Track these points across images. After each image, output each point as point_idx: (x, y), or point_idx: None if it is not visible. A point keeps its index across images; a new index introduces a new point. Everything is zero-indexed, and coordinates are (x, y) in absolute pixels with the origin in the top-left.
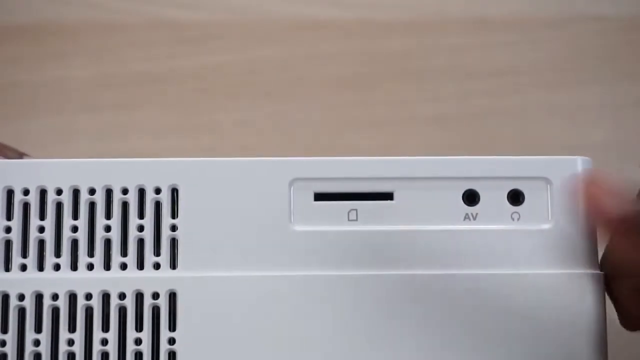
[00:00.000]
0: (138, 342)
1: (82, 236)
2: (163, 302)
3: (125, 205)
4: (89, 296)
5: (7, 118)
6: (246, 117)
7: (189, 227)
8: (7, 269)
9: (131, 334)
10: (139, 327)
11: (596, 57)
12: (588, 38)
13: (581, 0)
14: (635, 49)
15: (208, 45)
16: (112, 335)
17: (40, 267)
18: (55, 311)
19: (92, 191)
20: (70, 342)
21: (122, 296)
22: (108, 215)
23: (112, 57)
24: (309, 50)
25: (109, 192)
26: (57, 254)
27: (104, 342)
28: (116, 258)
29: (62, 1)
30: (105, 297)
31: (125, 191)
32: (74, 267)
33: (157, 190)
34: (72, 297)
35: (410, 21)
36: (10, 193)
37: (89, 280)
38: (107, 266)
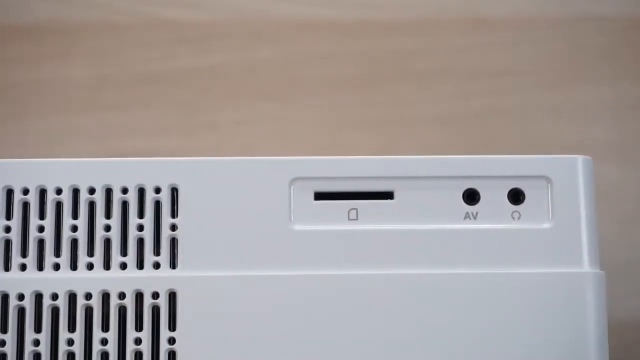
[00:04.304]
0: (138, 341)
1: (81, 236)
2: (163, 302)
3: (125, 205)
4: (88, 296)
5: (7, 118)
6: (246, 117)
7: (188, 226)
8: (7, 268)
9: (131, 333)
10: (138, 327)
11: (596, 57)
12: (588, 38)
13: (581, 0)
14: (636, 49)
15: (208, 45)
16: (112, 335)
17: (40, 267)
18: (55, 311)
19: (91, 190)
20: (70, 342)
21: (121, 296)
22: (108, 215)
23: (112, 57)
24: (309, 50)
25: (108, 192)
26: (57, 253)
27: (104, 341)
28: (116, 257)
29: (62, 1)
30: (105, 296)
31: (125, 190)
32: (74, 266)
33: (157, 190)
34: (72, 297)
35: (410, 21)
36: (9, 192)
37: (89, 280)
38: (107, 266)
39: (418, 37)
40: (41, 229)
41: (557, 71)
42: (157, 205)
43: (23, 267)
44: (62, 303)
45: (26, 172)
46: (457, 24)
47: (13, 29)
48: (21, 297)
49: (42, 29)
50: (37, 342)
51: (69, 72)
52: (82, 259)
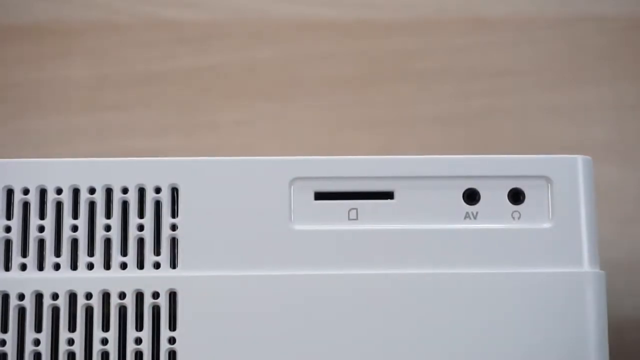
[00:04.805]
0: (138, 341)
1: (82, 235)
2: (163, 302)
3: (125, 205)
4: (89, 295)
5: (7, 118)
6: (246, 117)
7: (189, 226)
8: (7, 268)
9: (131, 333)
10: (139, 327)
11: (596, 57)
12: (588, 38)
13: (581, 0)
14: (636, 49)
15: (208, 45)
16: (112, 335)
17: (40, 267)
18: (55, 311)
19: (92, 190)
20: (70, 342)
21: (122, 295)
22: (108, 215)
23: (112, 57)
24: (309, 50)
25: (109, 192)
26: (57, 253)
27: (104, 341)
28: (116, 257)
29: (62, 1)
30: (106, 296)
31: (125, 190)
32: (74, 266)
33: (157, 190)
34: (72, 297)
35: (410, 21)
36: (10, 192)
37: (89, 280)
38: (107, 265)
39: (418, 37)
40: (41, 228)
41: (557, 71)
42: (158, 205)
43: (23, 267)
44: (62, 303)
45: (26, 172)
46: (457, 24)
47: (13, 29)
48: (21, 296)
49: (42, 29)
50: (37, 342)
51: (69, 72)
52: (83, 258)
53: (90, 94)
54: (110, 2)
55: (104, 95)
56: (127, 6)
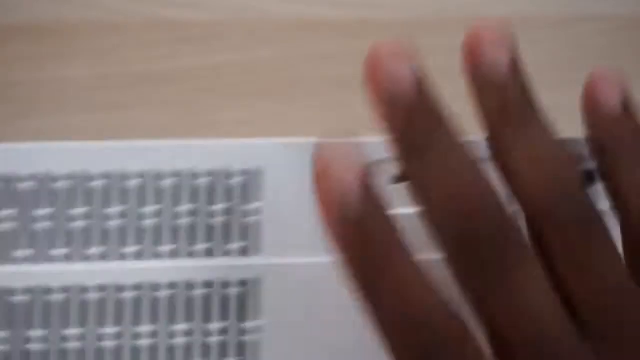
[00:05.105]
0: (222, 331)
1: (159, 223)
2: (243, 291)
3: (196, 191)
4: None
5: (7, 118)
6: (246, 117)
7: (274, 211)
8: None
9: (200, 325)
10: (220, 317)
11: (596, 57)
12: (588, 38)
13: (581, 0)
14: (636, 49)
15: (208, 45)
16: (192, 327)
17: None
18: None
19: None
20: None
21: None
22: (187, 201)
23: (112, 57)
24: (309, 50)
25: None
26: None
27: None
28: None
29: (62, 1)
30: (189, 286)
31: (204, 175)
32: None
33: (239, 173)
34: (137, 289)
35: (409, 21)
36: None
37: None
38: (191, 253)
39: (418, 37)
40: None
41: (557, 71)
42: (240, 189)
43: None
44: (130, 296)
45: (90, 156)
46: (456, 24)
47: (13, 29)
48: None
49: (42, 29)
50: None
51: (69, 72)
52: (149, 248)
53: (89, 94)
54: (110, 2)
55: (104, 95)
56: (127, 6)
